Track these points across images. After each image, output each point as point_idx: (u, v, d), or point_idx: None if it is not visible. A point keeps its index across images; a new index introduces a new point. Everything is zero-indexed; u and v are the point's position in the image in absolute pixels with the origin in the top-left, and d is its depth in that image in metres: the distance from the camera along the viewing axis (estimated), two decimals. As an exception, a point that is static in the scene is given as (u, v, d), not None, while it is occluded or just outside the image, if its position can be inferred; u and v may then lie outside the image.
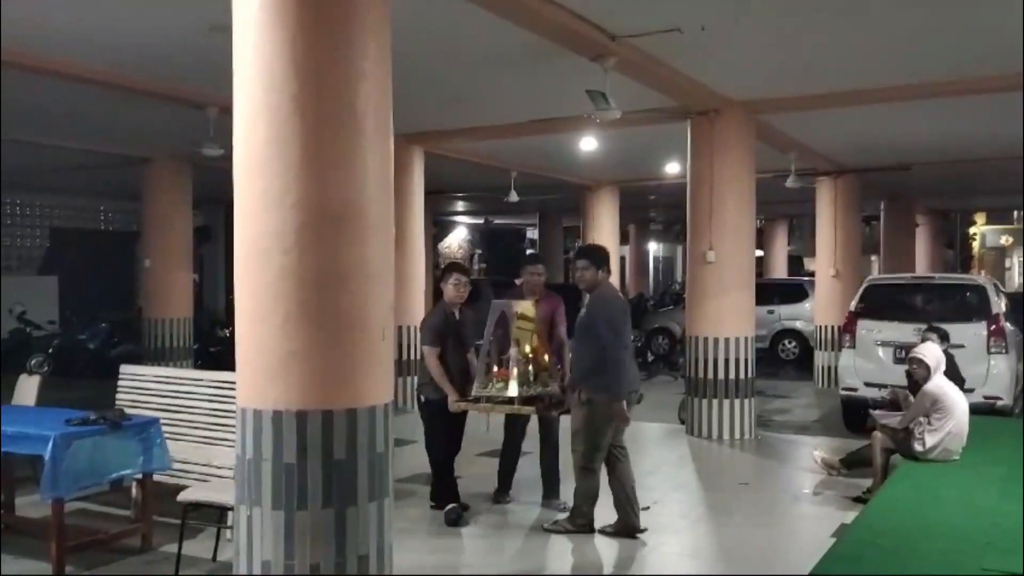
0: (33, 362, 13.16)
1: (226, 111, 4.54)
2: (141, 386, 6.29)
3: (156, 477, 5.40)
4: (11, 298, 15.29)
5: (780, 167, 11.89)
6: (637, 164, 13.83)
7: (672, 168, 13.53)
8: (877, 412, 6.75)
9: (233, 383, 5.62)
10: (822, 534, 5.56)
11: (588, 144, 10.77)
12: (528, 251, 25.53)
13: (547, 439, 6.33)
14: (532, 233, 27.39)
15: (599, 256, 5.79)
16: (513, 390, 5.69)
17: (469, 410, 5.96)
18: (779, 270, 24.57)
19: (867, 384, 9.11)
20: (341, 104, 3.79)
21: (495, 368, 5.85)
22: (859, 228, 14.75)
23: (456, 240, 27.95)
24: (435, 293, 7.26)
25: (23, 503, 5.89)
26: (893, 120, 10.05)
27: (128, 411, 5.50)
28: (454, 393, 5.86)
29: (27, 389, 6.80)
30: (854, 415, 9.22)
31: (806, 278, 18.65)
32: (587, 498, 5.64)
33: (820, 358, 13.63)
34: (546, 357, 5.94)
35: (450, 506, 5.99)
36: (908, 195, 18.21)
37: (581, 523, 5.68)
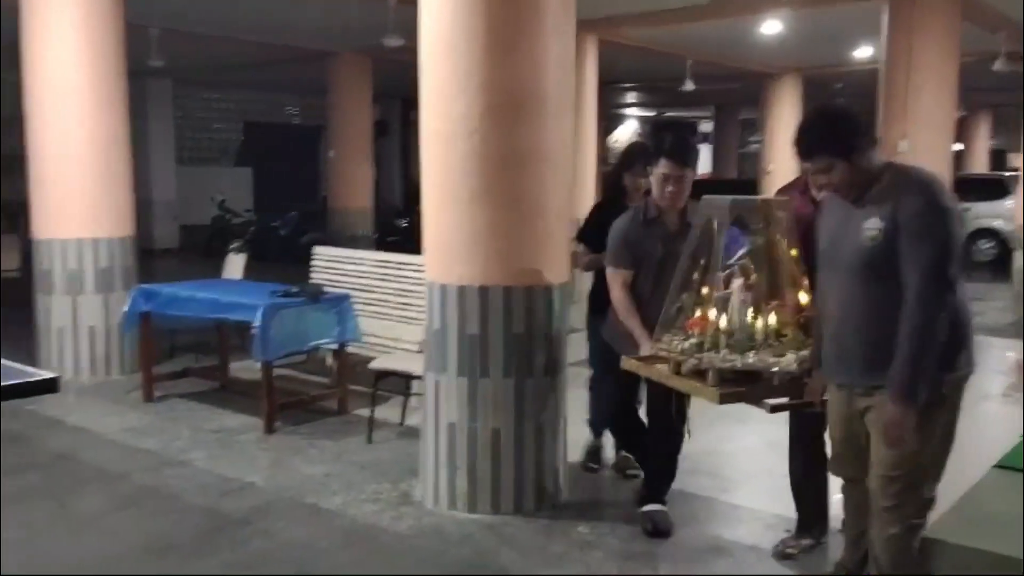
0: (234, 246, 14.30)
1: (406, 1, 4.65)
2: (332, 266, 6.75)
3: (348, 349, 5.85)
4: (213, 187, 16.63)
5: (987, 49, 10.84)
6: (823, 50, 12.99)
7: (862, 53, 12.62)
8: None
9: (414, 265, 5.98)
10: (1010, 433, 5.30)
11: (771, 27, 10.21)
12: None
13: (800, 439, 3.63)
14: (706, 126, 26.48)
15: (845, 128, 2.73)
16: (709, 353, 3.12)
17: (641, 374, 3.61)
18: (980, 166, 22.63)
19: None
20: (525, -14, 3.81)
21: (697, 312, 3.29)
22: (1077, 117, 13.31)
23: (626, 134, 27.44)
24: (604, 190, 5.39)
25: (233, 368, 6.55)
26: None
27: (322, 288, 5.93)
28: (646, 340, 3.57)
29: (235, 266, 7.50)
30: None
31: (1008, 174, 17.11)
32: None
33: (1020, 259, 12.61)
34: (803, 298, 3.24)
35: (649, 507, 3.88)
36: None
37: None
